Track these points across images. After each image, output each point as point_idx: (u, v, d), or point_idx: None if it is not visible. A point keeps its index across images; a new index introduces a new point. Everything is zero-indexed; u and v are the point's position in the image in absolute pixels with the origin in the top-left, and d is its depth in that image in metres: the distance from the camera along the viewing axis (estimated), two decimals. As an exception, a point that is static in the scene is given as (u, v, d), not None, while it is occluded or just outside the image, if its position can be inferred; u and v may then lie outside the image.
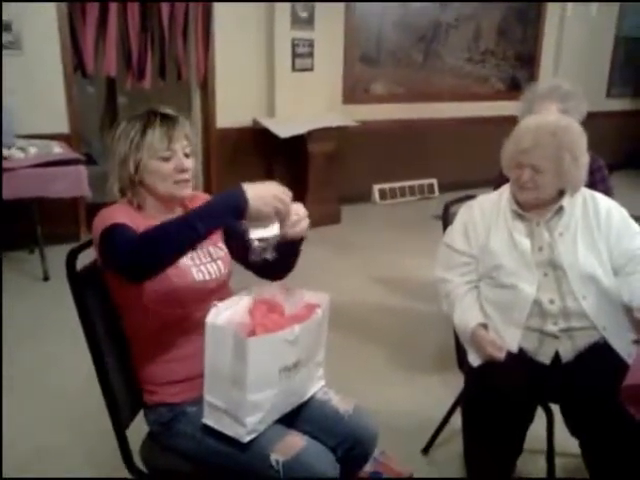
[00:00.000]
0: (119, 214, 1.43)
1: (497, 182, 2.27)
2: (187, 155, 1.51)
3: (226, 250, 1.62)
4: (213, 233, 1.35)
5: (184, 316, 1.48)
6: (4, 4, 4.01)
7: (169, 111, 1.52)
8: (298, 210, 1.45)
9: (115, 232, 1.37)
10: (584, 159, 1.85)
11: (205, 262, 1.53)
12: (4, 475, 1.99)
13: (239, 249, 1.57)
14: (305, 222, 1.46)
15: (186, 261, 1.47)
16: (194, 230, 1.30)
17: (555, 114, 2.31)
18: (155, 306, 1.44)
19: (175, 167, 1.48)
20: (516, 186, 1.89)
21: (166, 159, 1.47)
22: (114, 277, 1.45)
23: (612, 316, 1.80)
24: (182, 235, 1.31)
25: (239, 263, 1.64)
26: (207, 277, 1.51)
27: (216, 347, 1.37)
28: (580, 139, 1.84)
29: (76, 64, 4.48)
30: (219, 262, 1.56)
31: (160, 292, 1.42)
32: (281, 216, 1.39)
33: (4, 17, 4.06)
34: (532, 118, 1.94)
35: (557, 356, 1.80)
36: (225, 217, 1.34)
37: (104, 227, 1.38)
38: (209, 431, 1.42)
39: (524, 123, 1.91)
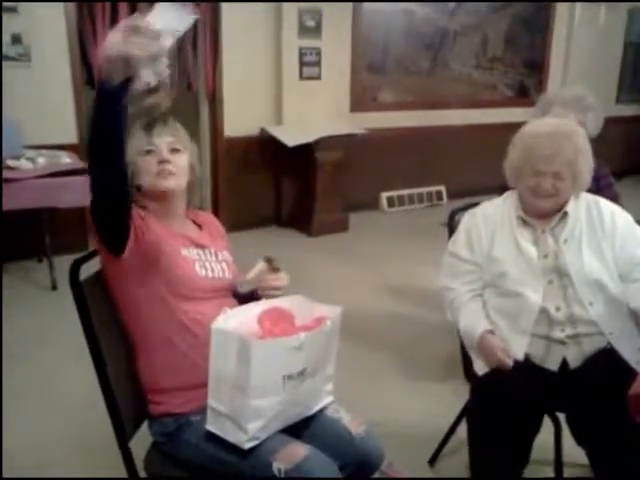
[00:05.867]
0: None
1: (503, 189, 2.24)
2: (176, 150, 1.56)
3: (232, 258, 1.66)
4: (115, 91, 1.19)
5: (191, 320, 1.49)
6: (14, 16, 4.06)
7: (152, 115, 1.57)
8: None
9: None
10: (591, 159, 1.86)
11: (209, 260, 1.58)
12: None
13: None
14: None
15: (190, 255, 1.53)
16: (101, 100, 1.21)
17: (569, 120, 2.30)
18: (165, 294, 1.47)
19: (157, 160, 1.53)
20: (534, 195, 1.84)
21: (148, 152, 1.53)
22: (124, 270, 1.47)
23: (619, 322, 1.78)
24: (102, 110, 1.22)
25: None
26: (210, 274, 1.55)
27: (221, 351, 1.36)
28: (586, 140, 1.87)
29: (86, 77, 4.52)
30: (224, 264, 1.62)
31: (167, 279, 1.47)
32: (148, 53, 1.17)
33: (15, 30, 4.11)
34: (541, 123, 1.92)
35: (565, 363, 1.78)
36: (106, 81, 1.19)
37: None
38: (213, 439, 1.41)
39: (534, 129, 1.87)
